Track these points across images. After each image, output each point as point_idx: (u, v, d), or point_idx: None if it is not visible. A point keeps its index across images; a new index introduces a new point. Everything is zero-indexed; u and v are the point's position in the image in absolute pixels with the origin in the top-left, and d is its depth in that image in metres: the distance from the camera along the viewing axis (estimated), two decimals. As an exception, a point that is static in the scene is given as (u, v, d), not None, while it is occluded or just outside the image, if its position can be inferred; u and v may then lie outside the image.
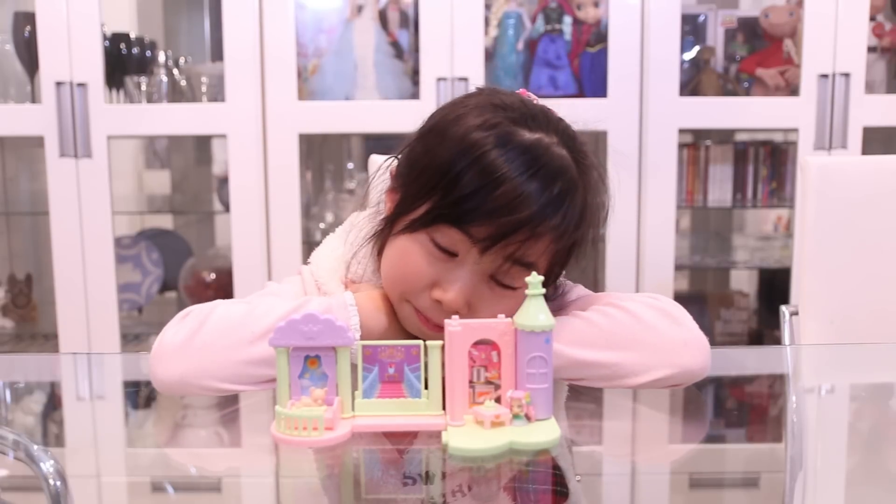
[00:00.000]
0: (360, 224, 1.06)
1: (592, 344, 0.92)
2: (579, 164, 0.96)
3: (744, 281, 2.97)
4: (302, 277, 1.07)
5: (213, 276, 2.64)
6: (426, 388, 0.82)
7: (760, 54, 2.46)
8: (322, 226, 2.56)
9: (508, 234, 0.88)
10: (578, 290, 1.09)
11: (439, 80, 2.25)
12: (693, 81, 2.46)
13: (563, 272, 1.01)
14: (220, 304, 0.97)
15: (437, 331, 0.89)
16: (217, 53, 2.39)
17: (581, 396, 1.00)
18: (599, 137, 2.39)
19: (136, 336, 2.59)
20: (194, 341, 0.92)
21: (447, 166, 0.90)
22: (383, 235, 0.98)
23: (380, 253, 0.99)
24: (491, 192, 0.88)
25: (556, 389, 0.85)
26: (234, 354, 0.91)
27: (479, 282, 0.92)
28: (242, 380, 0.91)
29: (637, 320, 0.93)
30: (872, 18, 2.38)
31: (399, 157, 1.00)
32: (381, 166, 1.03)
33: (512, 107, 0.95)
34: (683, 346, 0.92)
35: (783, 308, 1.52)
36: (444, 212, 0.90)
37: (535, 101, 1.00)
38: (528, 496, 0.73)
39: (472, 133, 0.91)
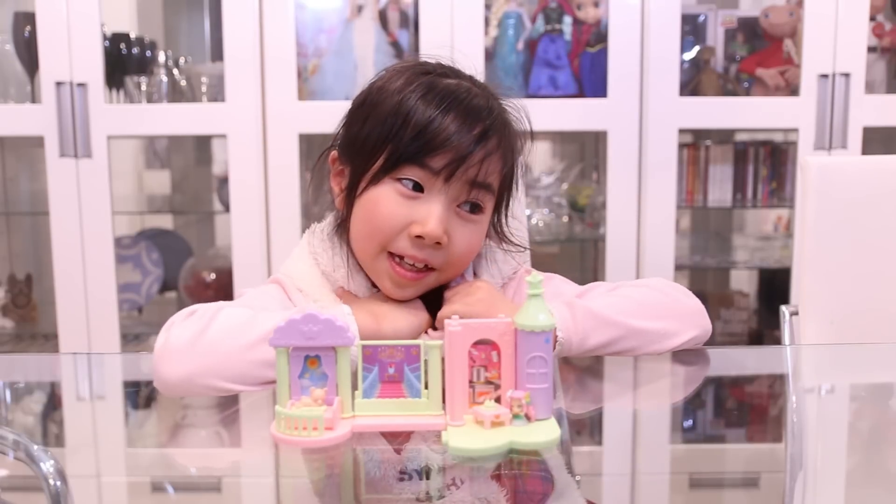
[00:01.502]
0: (321, 234, 1.10)
1: (641, 315, 1.04)
2: (497, 101, 1.06)
3: (744, 281, 2.97)
4: (282, 286, 1.08)
5: (213, 276, 2.65)
6: (426, 387, 0.82)
7: (760, 54, 2.46)
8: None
9: (465, 157, 0.98)
10: (561, 283, 1.14)
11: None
12: (693, 81, 2.46)
13: (507, 208, 1.10)
14: (225, 305, 0.99)
15: (413, 279, 1.00)
16: (217, 53, 2.39)
17: (581, 396, 1.00)
18: (599, 137, 2.40)
19: (136, 336, 2.59)
20: (201, 341, 0.93)
21: (391, 120, 0.99)
22: (346, 213, 1.04)
23: (346, 230, 1.05)
24: (440, 122, 0.97)
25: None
26: (241, 355, 0.92)
27: (451, 211, 1.00)
28: (247, 380, 0.92)
29: (663, 294, 1.08)
30: (872, 18, 2.38)
31: (335, 144, 1.09)
32: (317, 165, 1.12)
33: (426, 66, 1.06)
34: (699, 313, 1.09)
35: (783, 308, 1.52)
36: (402, 153, 0.98)
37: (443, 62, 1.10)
38: (526, 495, 0.74)
39: (406, 86, 1.01)
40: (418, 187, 0.99)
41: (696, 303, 1.10)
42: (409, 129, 0.98)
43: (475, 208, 1.02)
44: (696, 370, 1.09)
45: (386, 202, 0.99)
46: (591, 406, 1.01)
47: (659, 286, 1.09)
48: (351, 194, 1.03)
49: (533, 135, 1.09)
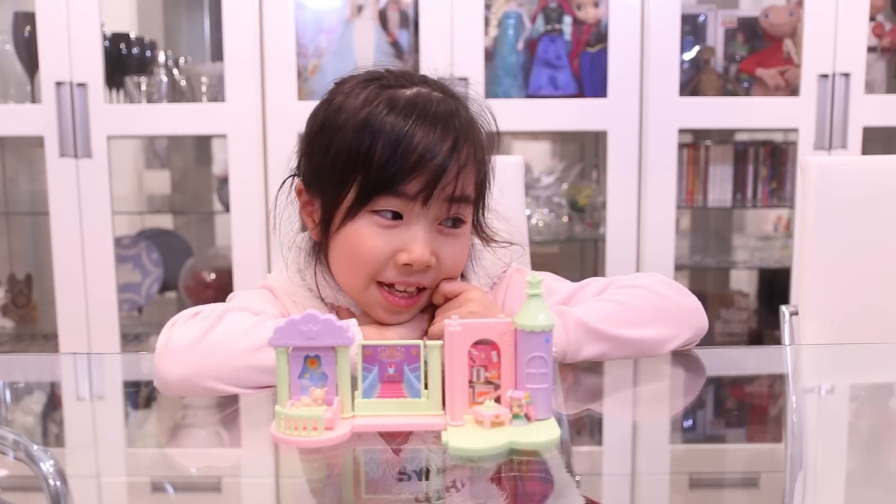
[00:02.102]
0: (300, 244, 1.07)
1: (636, 323, 1.02)
2: (456, 99, 1.02)
3: (744, 281, 2.97)
4: (272, 292, 1.07)
5: (213, 276, 2.64)
6: (426, 387, 0.82)
7: (760, 54, 2.46)
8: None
9: (440, 175, 0.94)
10: (554, 281, 1.12)
11: (440, 80, 2.25)
12: (693, 81, 2.46)
13: (485, 207, 1.07)
14: (231, 308, 0.98)
15: (407, 305, 0.99)
16: (217, 53, 2.39)
17: (581, 395, 1.00)
18: (599, 137, 2.40)
19: (136, 336, 2.59)
20: (203, 343, 0.92)
21: (357, 147, 0.95)
22: (323, 243, 1.02)
23: (326, 258, 1.02)
24: (406, 147, 0.93)
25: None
26: (242, 360, 0.92)
27: (433, 231, 0.97)
28: (246, 384, 0.92)
29: (659, 296, 1.06)
30: (872, 18, 2.38)
31: (296, 174, 1.06)
32: (278, 195, 1.08)
33: (379, 76, 1.01)
34: (695, 311, 1.07)
35: (783, 308, 1.52)
36: (373, 185, 0.94)
37: (391, 67, 1.06)
38: (526, 495, 0.73)
39: (362, 110, 0.96)
40: (397, 216, 0.96)
41: (692, 301, 1.08)
42: (378, 157, 0.94)
43: (457, 222, 0.99)
44: (695, 373, 1.09)
45: (367, 236, 0.96)
46: (590, 406, 1.01)
47: (653, 285, 1.07)
48: (326, 229, 1.00)
49: (497, 131, 1.05)
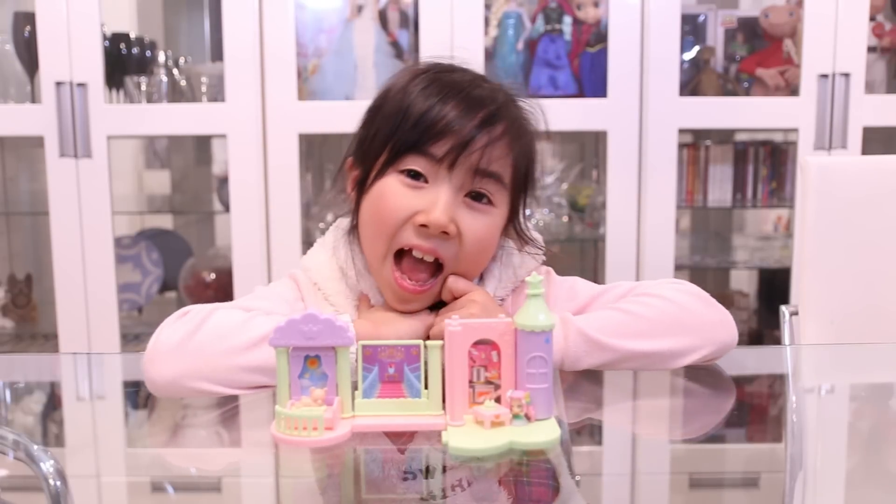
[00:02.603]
0: (345, 223, 1.09)
1: (645, 334, 0.98)
2: (510, 96, 1.05)
3: (744, 281, 2.97)
4: (296, 282, 1.07)
5: (213, 276, 2.64)
6: (426, 387, 0.82)
7: (760, 54, 2.46)
8: (322, 226, 2.56)
9: (467, 141, 0.96)
10: (578, 283, 1.11)
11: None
12: (693, 81, 2.46)
13: (525, 208, 1.07)
14: (219, 308, 0.98)
15: (415, 290, 0.99)
16: (217, 53, 2.39)
17: (581, 396, 1.00)
18: (599, 137, 2.40)
19: (136, 336, 2.59)
20: (190, 343, 0.92)
21: (396, 113, 0.99)
22: (357, 207, 1.04)
23: (358, 235, 1.04)
24: (440, 109, 0.97)
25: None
26: (230, 359, 0.92)
27: (456, 200, 0.98)
28: (236, 385, 0.92)
29: (677, 306, 1.01)
30: (872, 18, 2.38)
31: (350, 151, 1.07)
32: (338, 175, 1.10)
33: (437, 65, 1.05)
34: (720, 325, 1.02)
35: (783, 308, 1.52)
36: (403, 143, 0.98)
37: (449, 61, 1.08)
38: (526, 495, 0.74)
39: (410, 81, 1.01)
40: (422, 178, 0.98)
41: (717, 313, 1.03)
42: (410, 119, 0.97)
43: (483, 198, 0.99)
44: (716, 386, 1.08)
45: (390, 193, 0.98)
46: (590, 405, 1.01)
47: (673, 294, 1.02)
48: (360, 192, 1.02)
49: (548, 135, 1.06)
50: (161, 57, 2.47)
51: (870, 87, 2.36)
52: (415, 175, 0.98)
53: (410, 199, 0.98)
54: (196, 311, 0.96)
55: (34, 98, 2.40)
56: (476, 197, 0.99)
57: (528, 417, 0.80)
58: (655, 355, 0.99)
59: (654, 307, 1.01)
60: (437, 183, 0.97)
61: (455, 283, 1.01)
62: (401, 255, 1.00)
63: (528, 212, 1.09)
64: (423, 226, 0.96)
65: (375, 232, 1.00)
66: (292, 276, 1.10)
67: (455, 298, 1.01)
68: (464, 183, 0.98)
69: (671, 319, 1.00)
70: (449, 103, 0.97)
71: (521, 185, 1.04)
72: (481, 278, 1.07)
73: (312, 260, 1.09)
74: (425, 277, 1.00)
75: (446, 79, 1.01)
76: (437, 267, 1.00)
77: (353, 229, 1.06)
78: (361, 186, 1.02)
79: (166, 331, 0.94)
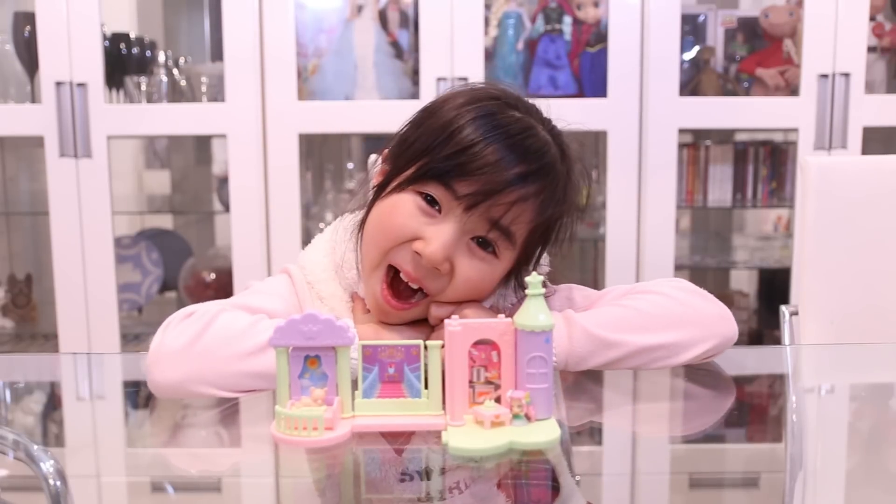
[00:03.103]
0: (346, 225, 1.07)
1: (648, 328, 0.97)
2: (562, 152, 1.01)
3: (744, 281, 2.97)
4: (291, 277, 1.07)
5: (213, 276, 2.64)
6: (426, 387, 0.82)
7: (760, 54, 2.46)
8: (322, 226, 2.56)
9: (493, 193, 0.93)
10: (574, 290, 1.10)
11: (439, 80, 2.25)
12: (693, 81, 2.46)
13: (537, 262, 1.04)
14: (223, 310, 0.97)
15: (398, 307, 0.97)
16: (217, 53, 2.39)
17: (581, 396, 1.00)
18: (599, 137, 2.40)
19: (136, 336, 2.59)
20: (195, 347, 0.92)
21: (439, 131, 0.95)
22: (370, 206, 1.02)
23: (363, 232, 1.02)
24: (480, 150, 0.93)
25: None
26: (235, 365, 0.91)
27: (460, 242, 0.95)
28: (240, 388, 0.92)
29: (678, 302, 1.00)
30: (872, 18, 2.38)
31: (391, 145, 1.04)
32: (372, 164, 1.06)
33: (502, 94, 1.00)
34: (720, 319, 1.02)
35: (783, 308, 1.52)
36: (432, 168, 0.95)
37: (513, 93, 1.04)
38: (526, 496, 0.74)
39: (464, 105, 0.96)
40: (437, 206, 0.95)
41: (717, 307, 1.02)
42: (448, 147, 0.94)
43: (489, 247, 0.97)
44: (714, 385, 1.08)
45: (400, 211, 0.96)
46: (591, 406, 1.01)
47: (674, 292, 1.01)
48: (378, 194, 1.01)
49: (588, 195, 1.03)
50: (161, 57, 2.47)
51: (870, 87, 2.36)
52: (431, 201, 0.96)
53: (417, 224, 0.95)
54: (200, 314, 0.95)
55: (34, 98, 2.40)
56: (482, 244, 0.97)
57: (528, 417, 0.80)
58: (661, 349, 0.97)
59: (656, 303, 1.00)
60: (449, 218, 0.95)
61: (438, 311, 0.99)
62: (392, 269, 0.98)
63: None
64: (418, 254, 0.95)
65: (375, 241, 0.99)
66: (286, 270, 1.09)
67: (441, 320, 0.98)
68: (475, 228, 0.95)
69: (673, 313, 0.99)
70: (492, 146, 0.93)
71: (535, 246, 1.01)
72: None
73: (308, 258, 1.08)
74: (408, 296, 0.98)
75: (501, 116, 0.96)
76: (424, 294, 0.98)
77: (362, 225, 1.04)
78: (381, 189, 1.00)
79: (171, 333, 0.94)
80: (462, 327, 0.80)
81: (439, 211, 0.95)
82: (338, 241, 1.07)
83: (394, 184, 0.98)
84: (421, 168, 0.96)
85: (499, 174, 0.93)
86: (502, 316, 0.82)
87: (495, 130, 0.94)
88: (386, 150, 1.04)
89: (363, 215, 1.04)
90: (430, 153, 0.95)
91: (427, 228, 0.95)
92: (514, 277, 1.02)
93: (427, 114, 1.00)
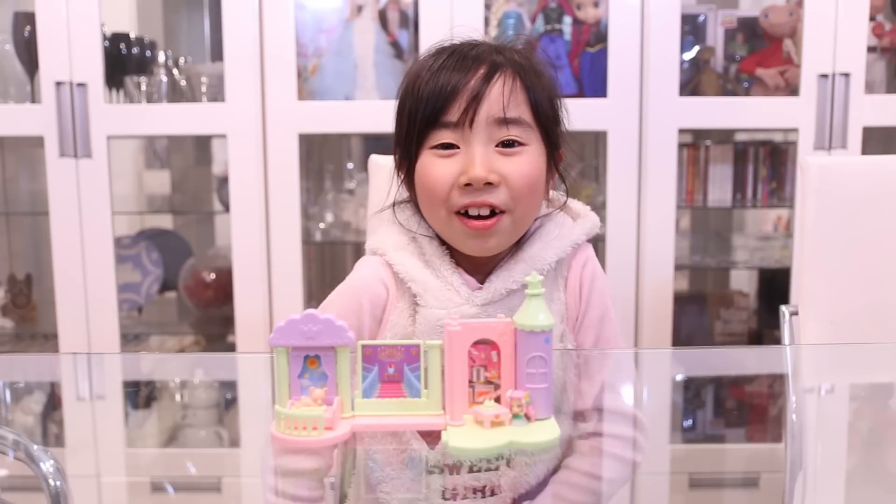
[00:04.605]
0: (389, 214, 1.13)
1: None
2: (505, 47, 1.09)
3: (744, 281, 2.97)
4: (382, 255, 1.10)
5: (213, 276, 2.64)
6: (426, 387, 0.82)
7: (760, 54, 2.46)
8: (322, 226, 2.56)
9: (476, 96, 1.01)
10: (598, 283, 1.13)
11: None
12: (693, 81, 2.46)
13: (560, 145, 1.12)
14: None
15: (486, 227, 1.02)
16: (217, 53, 2.39)
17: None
18: (599, 137, 2.39)
19: (136, 336, 2.59)
20: None
21: (409, 95, 1.05)
22: (413, 195, 1.09)
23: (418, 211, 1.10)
24: (444, 76, 1.02)
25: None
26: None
27: (490, 152, 1.02)
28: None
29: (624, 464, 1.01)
30: (872, 18, 2.37)
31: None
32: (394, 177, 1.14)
33: (440, 45, 1.09)
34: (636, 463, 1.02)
35: (783, 308, 1.52)
36: (423, 123, 1.03)
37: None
38: (527, 496, 0.74)
39: (419, 68, 1.06)
40: (452, 146, 1.03)
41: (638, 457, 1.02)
42: (421, 99, 1.03)
43: (514, 144, 1.03)
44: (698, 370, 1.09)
45: (430, 169, 1.03)
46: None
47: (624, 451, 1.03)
48: (409, 179, 1.08)
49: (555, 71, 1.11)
50: (161, 57, 2.47)
51: (870, 87, 2.36)
52: (445, 146, 1.03)
53: (448, 167, 1.02)
54: None
55: (34, 98, 2.40)
56: (508, 144, 1.03)
57: (527, 417, 0.80)
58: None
59: (580, 488, 1.01)
60: (466, 144, 1.02)
61: None
62: (461, 214, 1.04)
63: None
64: (468, 185, 1.01)
65: (431, 204, 1.05)
66: (372, 249, 1.11)
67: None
68: (490, 135, 1.02)
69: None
70: (449, 70, 1.02)
71: (549, 120, 1.09)
72: (529, 237, 1.09)
73: (385, 242, 1.11)
74: (488, 221, 1.03)
75: (448, 47, 1.06)
76: (498, 212, 1.04)
77: (417, 211, 1.10)
78: (410, 175, 1.08)
79: None
80: (462, 327, 0.80)
81: (456, 147, 1.03)
82: (409, 223, 1.11)
83: (411, 160, 1.06)
84: (418, 132, 1.04)
85: (468, 81, 1.01)
86: (501, 316, 0.82)
87: (445, 56, 1.05)
88: (396, 156, 1.11)
89: (412, 199, 1.10)
90: (415, 113, 1.04)
91: (458, 164, 1.02)
92: (555, 166, 1.11)
93: (399, 102, 1.08)
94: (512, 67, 1.04)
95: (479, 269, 1.07)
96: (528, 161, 1.04)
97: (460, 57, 1.04)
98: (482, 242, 1.04)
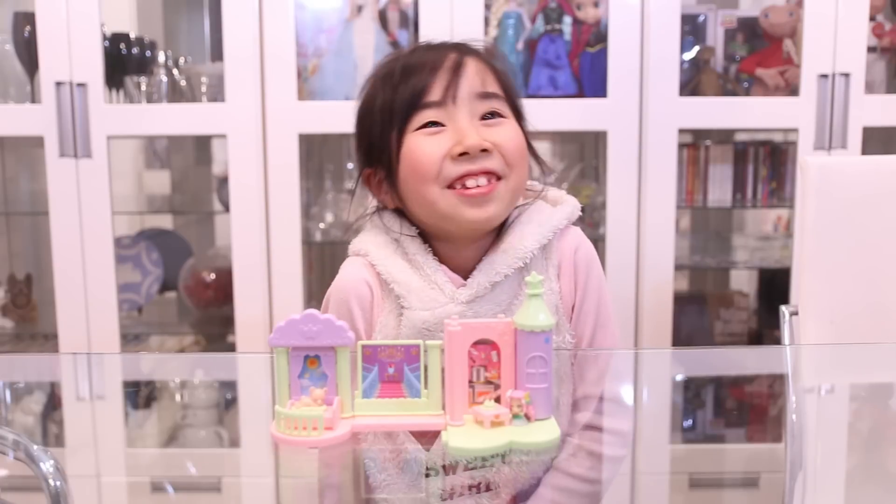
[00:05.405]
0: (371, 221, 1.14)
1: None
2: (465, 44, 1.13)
3: (744, 281, 2.97)
4: (366, 256, 1.10)
5: (212, 276, 2.64)
6: (426, 387, 0.82)
7: (760, 54, 2.46)
8: (322, 226, 2.56)
9: (456, 74, 1.05)
10: (595, 268, 1.14)
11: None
12: (693, 81, 2.46)
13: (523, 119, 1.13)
14: None
15: (484, 193, 1.03)
16: (217, 53, 2.39)
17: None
18: (599, 137, 2.39)
19: (136, 336, 2.59)
20: None
21: (381, 93, 1.07)
22: (395, 193, 1.09)
23: (398, 195, 1.09)
24: (417, 66, 1.05)
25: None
26: None
27: (477, 124, 1.05)
28: None
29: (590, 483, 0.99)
30: (872, 18, 2.37)
31: (362, 167, 1.14)
32: (355, 191, 1.17)
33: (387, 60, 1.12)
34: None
35: (783, 308, 1.52)
36: (404, 109, 1.05)
37: None
38: (526, 495, 0.74)
39: (379, 70, 1.10)
40: (438, 124, 1.05)
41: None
42: (397, 86, 1.05)
43: (495, 115, 1.07)
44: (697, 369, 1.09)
45: (420, 146, 1.04)
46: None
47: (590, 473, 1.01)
48: (391, 177, 1.08)
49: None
50: (161, 57, 2.47)
51: (870, 87, 2.36)
52: (431, 125, 1.05)
53: (438, 142, 1.04)
54: None
55: (34, 98, 2.40)
56: (490, 116, 1.07)
57: (527, 417, 0.80)
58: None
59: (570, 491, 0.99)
60: (452, 121, 1.04)
61: None
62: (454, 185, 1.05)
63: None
64: (463, 154, 1.02)
65: (422, 183, 1.05)
66: (355, 251, 1.12)
67: None
68: (472, 109, 1.05)
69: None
70: (422, 55, 1.07)
71: (517, 97, 1.13)
72: (508, 227, 1.09)
73: (368, 242, 1.11)
74: (485, 187, 1.05)
75: (412, 49, 1.10)
76: (493, 178, 1.05)
77: (399, 216, 1.11)
78: (388, 169, 1.08)
79: None
80: (462, 327, 0.80)
81: (442, 125, 1.05)
82: (390, 225, 1.11)
83: (393, 151, 1.06)
84: (399, 119, 1.05)
85: (444, 62, 1.05)
86: (501, 316, 0.82)
87: (412, 50, 1.09)
88: (366, 171, 1.12)
89: (392, 187, 1.09)
90: (392, 105, 1.05)
91: (448, 138, 1.04)
92: (528, 143, 1.12)
93: (361, 93, 1.11)
94: (474, 53, 1.09)
95: (463, 264, 1.08)
96: (514, 128, 1.08)
97: (428, 48, 1.08)
98: (482, 210, 1.05)
